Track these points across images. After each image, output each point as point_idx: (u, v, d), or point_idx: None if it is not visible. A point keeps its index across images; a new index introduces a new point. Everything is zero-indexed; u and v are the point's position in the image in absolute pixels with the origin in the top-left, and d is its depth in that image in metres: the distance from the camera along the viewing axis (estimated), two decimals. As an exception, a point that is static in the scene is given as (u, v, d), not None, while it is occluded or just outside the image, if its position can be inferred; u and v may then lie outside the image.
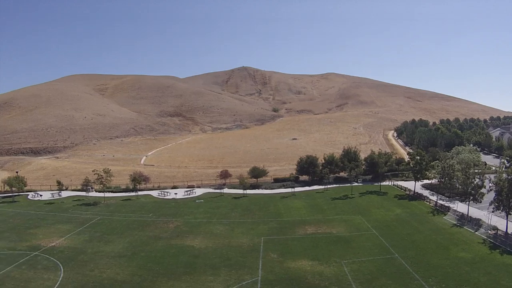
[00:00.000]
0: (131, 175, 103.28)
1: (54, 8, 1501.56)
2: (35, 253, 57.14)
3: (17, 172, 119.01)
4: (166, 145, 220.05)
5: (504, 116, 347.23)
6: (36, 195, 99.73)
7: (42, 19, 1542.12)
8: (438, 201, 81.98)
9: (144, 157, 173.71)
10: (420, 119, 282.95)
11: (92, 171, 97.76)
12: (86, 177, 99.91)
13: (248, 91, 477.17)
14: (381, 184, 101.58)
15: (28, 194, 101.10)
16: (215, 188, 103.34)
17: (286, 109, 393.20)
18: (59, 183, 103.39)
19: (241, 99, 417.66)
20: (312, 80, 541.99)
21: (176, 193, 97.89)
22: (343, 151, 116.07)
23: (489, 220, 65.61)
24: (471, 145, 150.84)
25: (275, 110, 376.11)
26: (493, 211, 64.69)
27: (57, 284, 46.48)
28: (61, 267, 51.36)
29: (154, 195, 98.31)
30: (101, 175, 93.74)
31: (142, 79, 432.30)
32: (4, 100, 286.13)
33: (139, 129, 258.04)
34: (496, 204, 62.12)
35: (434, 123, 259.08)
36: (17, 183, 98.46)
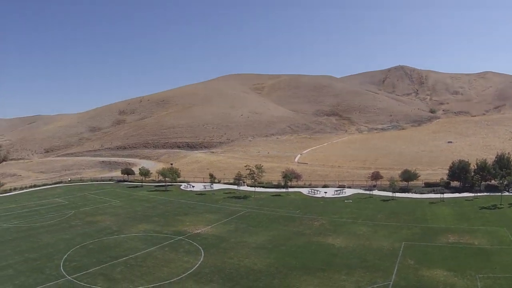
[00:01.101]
0: (283, 172, 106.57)
1: (210, 12, 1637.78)
2: (179, 238, 62.35)
3: (171, 164, 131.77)
4: (321, 144, 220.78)
5: None
6: (188, 186, 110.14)
7: (198, 22, 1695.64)
8: None
9: (299, 155, 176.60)
10: None
11: (245, 166, 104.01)
12: (239, 172, 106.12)
13: (405, 91, 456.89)
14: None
15: (181, 185, 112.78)
16: (365, 189, 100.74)
17: (443, 110, 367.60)
18: (211, 176, 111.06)
19: (398, 99, 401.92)
20: (469, 80, 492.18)
21: (326, 192, 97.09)
22: (496, 157, 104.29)
23: None
24: None
25: (432, 111, 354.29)
26: None
27: (196, 266, 49.83)
28: (202, 252, 54.90)
29: (304, 193, 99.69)
30: (253, 171, 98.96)
31: (298, 78, 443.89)
32: (161, 98, 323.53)
33: (295, 128, 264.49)
34: None
35: None
36: (171, 174, 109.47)
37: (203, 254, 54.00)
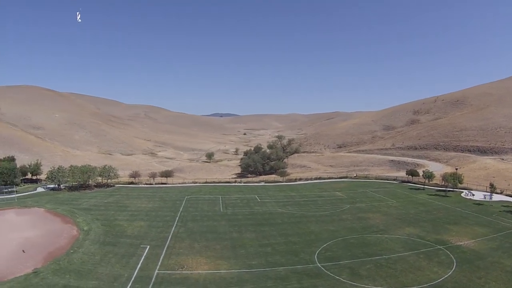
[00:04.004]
0: None
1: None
2: (438, 247, 60.06)
3: (456, 168, 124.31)
4: None
5: None
6: (469, 193, 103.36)
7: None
8: None
9: None
10: None
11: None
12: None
13: None
14: None
15: (462, 192, 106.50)
16: None
17: None
18: (491, 185, 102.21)
19: None
20: None
21: None
22: None
23: None
24: None
25: None
26: None
27: (441, 279, 47.88)
28: (454, 266, 51.95)
29: None
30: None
31: None
32: (456, 98, 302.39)
33: None
34: None
35: None
36: (452, 179, 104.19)
37: (454, 268, 51.01)
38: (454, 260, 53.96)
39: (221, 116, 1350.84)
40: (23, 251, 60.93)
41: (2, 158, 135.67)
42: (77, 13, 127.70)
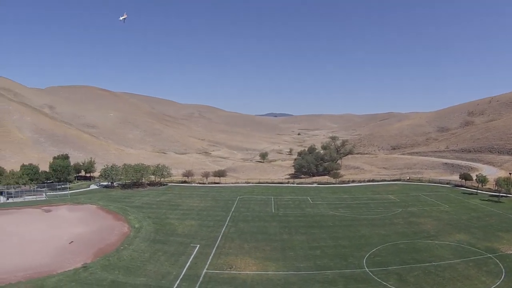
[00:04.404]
0: None
1: None
2: (488, 255, 58.91)
3: (510, 173, 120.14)
4: None
5: None
6: None
7: None
8: None
9: None
10: None
11: None
12: None
13: None
14: None
15: None
16: None
17: None
18: None
19: None
20: None
21: None
22: None
23: None
24: None
25: None
26: None
27: None
28: (503, 276, 51.05)
29: None
30: None
31: None
32: (511, 99, 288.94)
33: None
34: None
35: None
36: (506, 184, 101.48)
37: (502, 278, 50.09)
38: (503, 270, 52.93)
39: (276, 116, 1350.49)
40: (71, 242, 64.43)
41: (56, 156, 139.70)
42: (124, 16, 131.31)
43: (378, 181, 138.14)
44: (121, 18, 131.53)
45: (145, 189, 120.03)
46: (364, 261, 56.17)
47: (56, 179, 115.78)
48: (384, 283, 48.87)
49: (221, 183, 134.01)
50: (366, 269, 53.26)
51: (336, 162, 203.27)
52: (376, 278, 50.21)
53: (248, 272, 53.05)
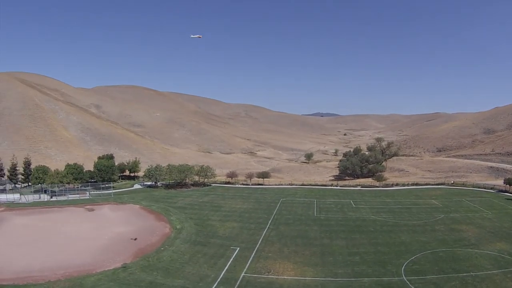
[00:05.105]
0: None
1: None
2: None
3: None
4: None
5: None
6: None
7: None
8: None
9: None
10: None
11: None
12: None
13: None
14: None
15: None
16: None
17: None
18: None
19: None
20: None
21: None
22: None
23: None
24: None
25: None
26: None
27: None
28: None
29: None
30: None
31: None
32: None
33: None
34: None
35: None
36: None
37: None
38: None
39: (322, 116, 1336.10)
40: (135, 239, 65.39)
41: (101, 155, 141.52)
42: (196, 36, 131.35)
43: (422, 184, 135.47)
44: (194, 36, 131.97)
45: (189, 189, 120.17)
46: (403, 269, 55.54)
47: (100, 179, 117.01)
48: (421, 292, 48.35)
49: (265, 185, 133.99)
50: (404, 277, 52.66)
51: (381, 164, 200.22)
52: (413, 287, 49.67)
53: (286, 277, 52.87)
